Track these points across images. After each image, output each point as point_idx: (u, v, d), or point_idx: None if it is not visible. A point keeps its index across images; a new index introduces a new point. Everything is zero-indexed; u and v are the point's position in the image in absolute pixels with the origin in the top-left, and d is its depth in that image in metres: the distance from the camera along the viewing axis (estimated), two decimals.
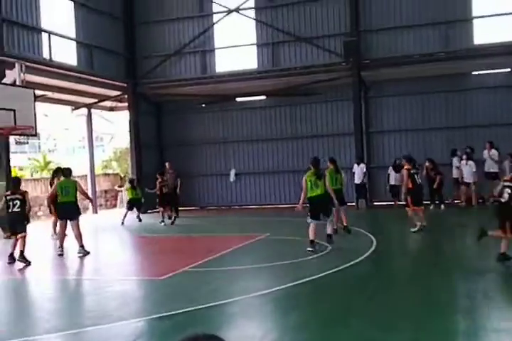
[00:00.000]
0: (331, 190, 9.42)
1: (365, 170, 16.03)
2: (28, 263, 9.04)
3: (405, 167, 11.18)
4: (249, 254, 9.51)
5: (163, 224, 14.39)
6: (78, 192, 10.11)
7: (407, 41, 16.40)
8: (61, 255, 9.79)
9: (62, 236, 10.04)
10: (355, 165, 16.08)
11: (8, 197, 9.31)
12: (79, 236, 9.84)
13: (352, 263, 8.03)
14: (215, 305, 5.99)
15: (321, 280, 7.07)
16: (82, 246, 9.84)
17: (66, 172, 10.41)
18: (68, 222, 9.95)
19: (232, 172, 19.08)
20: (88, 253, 9.87)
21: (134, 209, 15.45)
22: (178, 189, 15.47)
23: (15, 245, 9.22)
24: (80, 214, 10.24)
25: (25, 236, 9.16)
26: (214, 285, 7.10)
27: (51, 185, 11.69)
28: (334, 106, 17.94)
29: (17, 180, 9.97)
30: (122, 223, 14.80)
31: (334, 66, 16.93)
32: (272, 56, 17.78)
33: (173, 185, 15.33)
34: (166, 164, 16.14)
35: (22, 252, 9.04)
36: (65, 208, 10.01)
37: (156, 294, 7.05)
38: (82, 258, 9.73)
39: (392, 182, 15.62)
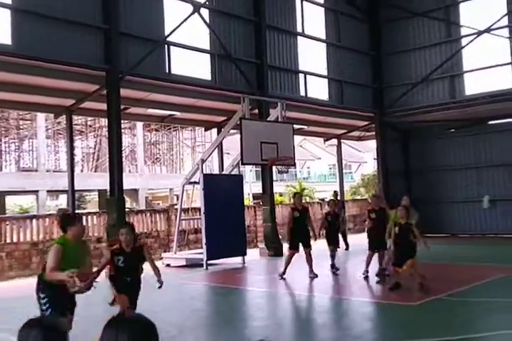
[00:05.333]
0: None
1: None
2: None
3: None
4: (506, 287, 8.99)
5: None
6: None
7: None
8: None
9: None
10: None
11: None
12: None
13: None
14: (469, 338, 5.90)
15: None
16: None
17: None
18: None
19: (486, 199, 18.02)
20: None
21: None
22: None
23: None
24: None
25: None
26: (469, 316, 6.99)
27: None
28: None
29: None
30: None
31: None
32: None
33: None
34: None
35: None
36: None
37: (409, 319, 7.20)
38: (338, 279, 10.54)
39: None
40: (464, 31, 17.78)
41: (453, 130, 18.71)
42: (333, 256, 11.26)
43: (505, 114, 17.29)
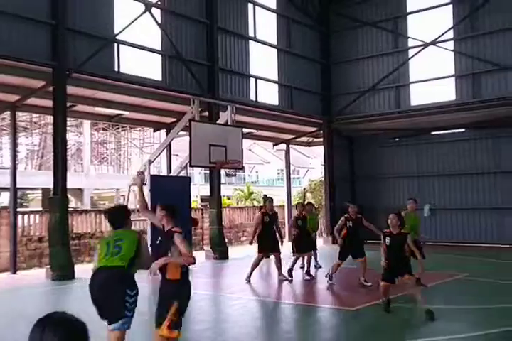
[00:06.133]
0: None
1: None
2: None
3: None
4: (444, 294, 9.26)
5: None
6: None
7: None
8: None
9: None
10: None
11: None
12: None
13: None
14: None
15: None
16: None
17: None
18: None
19: (427, 208, 18.60)
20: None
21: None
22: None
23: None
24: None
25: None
26: (406, 322, 7.16)
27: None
28: None
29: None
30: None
31: None
32: (471, 87, 17.18)
33: None
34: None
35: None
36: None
37: (347, 324, 7.32)
38: (285, 284, 10.61)
39: None
40: (411, 43, 18.37)
41: (397, 139, 19.28)
42: (308, 263, 11.28)
43: (448, 125, 17.98)
